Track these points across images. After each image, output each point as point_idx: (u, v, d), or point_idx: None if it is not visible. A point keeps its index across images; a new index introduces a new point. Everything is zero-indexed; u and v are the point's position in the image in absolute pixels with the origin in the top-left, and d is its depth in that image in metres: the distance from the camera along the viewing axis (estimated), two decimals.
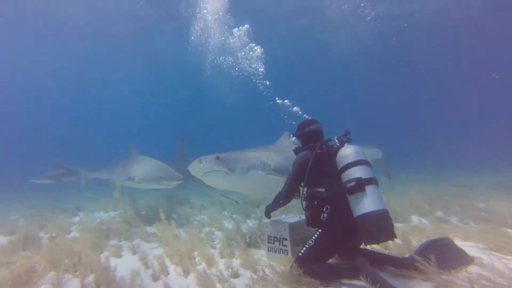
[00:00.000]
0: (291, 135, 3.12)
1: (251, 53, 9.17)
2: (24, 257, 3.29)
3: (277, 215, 3.42)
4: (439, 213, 5.00)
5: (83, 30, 18.50)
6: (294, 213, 3.54)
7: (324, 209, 2.47)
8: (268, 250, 3.13)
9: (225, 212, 6.53)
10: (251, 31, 9.87)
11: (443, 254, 2.46)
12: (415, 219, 4.77)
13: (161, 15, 16.98)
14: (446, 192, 6.71)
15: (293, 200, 2.87)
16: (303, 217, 3.18)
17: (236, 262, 3.04)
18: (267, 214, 3.06)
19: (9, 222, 5.76)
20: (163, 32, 19.11)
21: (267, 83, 8.56)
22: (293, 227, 2.98)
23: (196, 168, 3.84)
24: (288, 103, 5.62)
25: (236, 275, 2.73)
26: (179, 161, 8.87)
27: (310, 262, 2.39)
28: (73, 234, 5.02)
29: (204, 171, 3.84)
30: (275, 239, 3.06)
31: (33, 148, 44.21)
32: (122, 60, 23.56)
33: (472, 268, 2.46)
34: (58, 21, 17.11)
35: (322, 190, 2.53)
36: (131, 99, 36.65)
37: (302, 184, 2.66)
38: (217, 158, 3.72)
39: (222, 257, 3.26)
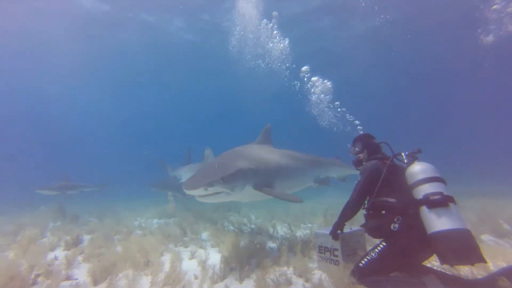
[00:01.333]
0: (352, 147, 3.05)
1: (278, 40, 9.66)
2: (109, 251, 3.84)
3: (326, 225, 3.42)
4: None
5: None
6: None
7: (395, 219, 2.37)
8: (320, 260, 3.15)
9: (273, 221, 6.63)
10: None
11: None
12: (487, 238, 4.26)
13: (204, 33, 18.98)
14: None
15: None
16: (354, 228, 3.16)
17: (290, 270, 3.12)
18: (335, 234, 2.87)
19: (88, 223, 6.69)
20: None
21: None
22: (344, 238, 2.96)
23: (196, 192, 3.44)
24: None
25: (289, 283, 2.81)
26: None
27: (371, 274, 2.34)
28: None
29: (205, 193, 3.47)
30: (326, 249, 3.07)
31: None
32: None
33: None
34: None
35: (393, 200, 2.45)
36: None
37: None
38: (221, 179, 3.39)
39: (277, 265, 3.32)
